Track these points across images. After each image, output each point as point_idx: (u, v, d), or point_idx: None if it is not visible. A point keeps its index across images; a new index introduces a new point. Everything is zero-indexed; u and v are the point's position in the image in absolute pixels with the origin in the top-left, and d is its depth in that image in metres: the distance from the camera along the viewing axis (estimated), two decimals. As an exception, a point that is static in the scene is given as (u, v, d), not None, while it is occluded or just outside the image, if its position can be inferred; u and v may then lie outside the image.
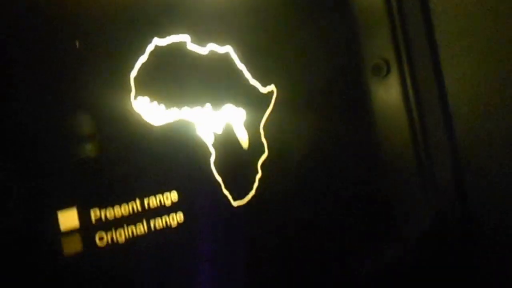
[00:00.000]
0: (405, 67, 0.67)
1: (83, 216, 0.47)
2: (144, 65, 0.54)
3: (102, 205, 0.48)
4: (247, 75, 0.62)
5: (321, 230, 0.66)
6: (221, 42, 0.60)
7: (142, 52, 0.54)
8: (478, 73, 0.62)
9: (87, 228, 0.47)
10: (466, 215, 0.67)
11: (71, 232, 0.46)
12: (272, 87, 0.64)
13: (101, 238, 0.48)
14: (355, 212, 0.69)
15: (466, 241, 0.67)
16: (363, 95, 0.70)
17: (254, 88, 0.63)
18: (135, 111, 0.53)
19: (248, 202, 0.60)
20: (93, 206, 0.48)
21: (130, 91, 0.53)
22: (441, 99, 0.66)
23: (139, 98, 0.54)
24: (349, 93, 0.71)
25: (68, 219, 0.46)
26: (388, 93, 0.69)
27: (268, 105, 0.64)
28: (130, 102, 0.53)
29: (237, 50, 0.61)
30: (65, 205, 0.46)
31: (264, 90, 0.64)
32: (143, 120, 0.53)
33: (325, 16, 0.70)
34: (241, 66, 0.62)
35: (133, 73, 0.53)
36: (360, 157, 0.71)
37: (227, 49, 0.61)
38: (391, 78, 0.68)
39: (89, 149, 0.49)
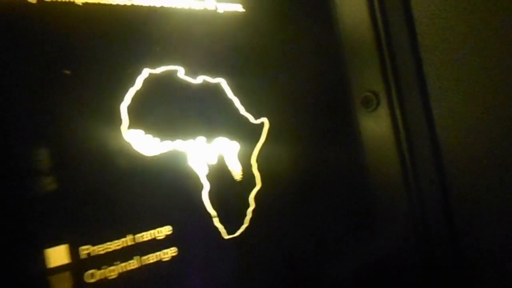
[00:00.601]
0: (395, 100, 0.67)
1: (74, 253, 0.45)
2: (137, 95, 0.53)
3: (93, 242, 0.46)
4: (239, 107, 0.62)
5: (313, 261, 0.65)
6: (214, 74, 0.60)
7: (134, 83, 0.53)
8: (466, 105, 0.63)
9: (77, 265, 0.45)
10: (453, 246, 0.67)
11: (61, 270, 0.43)
12: (263, 119, 0.64)
13: (92, 275, 0.45)
14: (347, 244, 0.68)
15: (452, 262, 0.67)
16: (353, 127, 0.71)
17: (246, 120, 0.63)
18: (127, 142, 0.51)
19: (241, 235, 0.59)
20: (84, 243, 0.46)
21: (121, 121, 0.51)
22: (430, 131, 0.66)
23: (131, 129, 0.52)
24: (340, 125, 0.72)
25: (58, 256, 0.44)
26: (378, 126, 0.69)
27: (260, 137, 0.63)
28: (122, 133, 0.51)
29: (229, 82, 0.61)
30: (55, 242, 0.44)
31: (255, 122, 0.63)
32: (135, 151, 0.52)
33: (315, 49, 0.71)
34: (233, 98, 0.61)
35: (125, 104, 0.52)
36: (351, 188, 0.71)
37: (219, 81, 0.60)
38: (380, 110, 0.68)
39: (80, 183, 0.47)
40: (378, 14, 0.67)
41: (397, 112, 0.68)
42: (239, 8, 0.64)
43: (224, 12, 0.63)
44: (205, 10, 0.61)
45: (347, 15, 0.70)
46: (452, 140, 0.65)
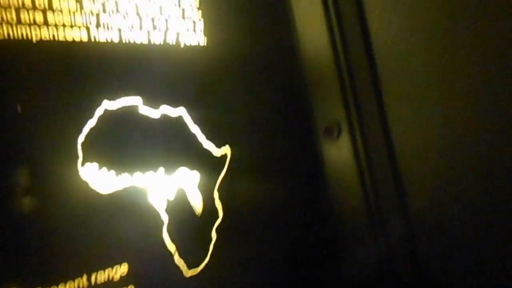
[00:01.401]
0: (356, 129, 0.68)
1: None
2: (92, 129, 0.53)
3: (46, 283, 0.45)
4: (201, 137, 0.62)
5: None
6: (174, 104, 0.60)
7: (91, 116, 0.53)
8: (425, 135, 0.64)
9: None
10: (417, 272, 0.67)
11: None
12: (226, 149, 0.64)
13: (43, 320, 0.44)
14: (312, 275, 0.68)
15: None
16: (315, 156, 0.71)
17: (207, 151, 0.62)
18: (82, 180, 0.51)
19: (203, 270, 0.58)
20: (35, 285, 0.45)
21: (77, 157, 0.51)
22: (391, 160, 0.67)
23: (87, 164, 0.52)
24: (302, 154, 0.72)
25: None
26: (340, 154, 0.70)
27: (222, 168, 0.63)
28: (77, 170, 0.51)
29: (190, 112, 0.61)
30: (3, 284, 0.43)
31: (218, 152, 0.63)
32: (90, 189, 0.51)
33: (277, 79, 0.72)
34: (194, 128, 0.61)
35: (81, 139, 0.51)
36: (315, 218, 0.71)
37: (180, 111, 0.60)
38: (342, 139, 0.69)
39: (32, 221, 0.46)
40: (339, 46, 0.68)
41: (359, 141, 0.68)
42: (201, 41, 0.65)
43: (185, 46, 0.63)
44: (166, 43, 0.61)
45: (309, 47, 0.71)
46: (412, 168, 0.66)
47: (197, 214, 0.60)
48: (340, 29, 0.69)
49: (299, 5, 0.73)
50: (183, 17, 0.63)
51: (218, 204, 0.62)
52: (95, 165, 0.52)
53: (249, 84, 0.69)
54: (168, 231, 0.56)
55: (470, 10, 0.59)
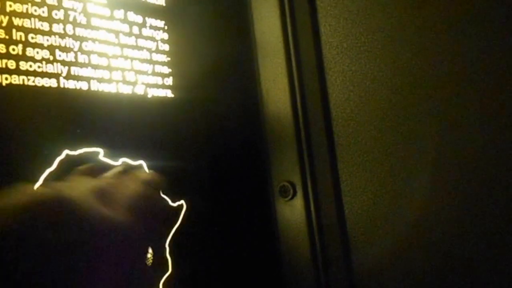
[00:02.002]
0: (310, 192, 0.71)
1: None
2: (50, 176, 0.53)
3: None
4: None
5: None
6: (135, 157, 0.61)
7: (50, 164, 0.53)
8: (374, 205, 0.68)
9: None
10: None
11: None
12: (181, 202, 0.65)
13: None
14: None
15: None
16: (270, 214, 0.74)
17: (163, 202, 0.63)
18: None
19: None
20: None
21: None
22: (341, 226, 0.70)
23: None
24: (257, 212, 0.74)
25: None
26: (293, 215, 0.72)
27: (177, 220, 0.64)
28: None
29: (149, 164, 0.62)
30: None
31: (173, 204, 0.64)
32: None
33: (239, 137, 0.74)
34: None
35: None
36: (264, 277, 0.73)
37: (140, 163, 0.61)
38: (296, 201, 0.72)
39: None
40: (300, 111, 0.72)
41: (312, 204, 0.71)
42: (168, 93, 0.67)
43: (153, 97, 0.65)
44: (134, 94, 0.63)
45: (272, 108, 0.75)
46: (361, 238, 0.69)
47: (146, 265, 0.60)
48: (302, 93, 0.73)
49: (265, 66, 0.77)
50: (153, 72, 0.65)
51: (169, 257, 0.62)
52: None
53: (211, 140, 0.71)
54: None
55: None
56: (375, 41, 0.67)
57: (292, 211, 0.72)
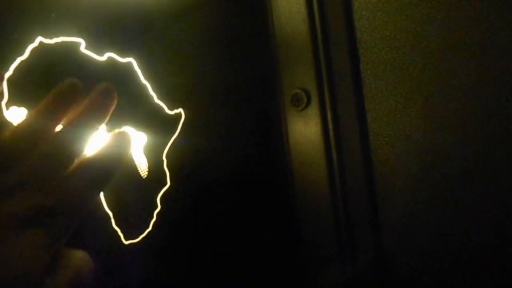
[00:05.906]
0: (327, 100, 0.62)
1: None
2: (23, 66, 0.45)
3: None
4: (152, 93, 0.54)
5: (223, 275, 0.59)
6: (123, 53, 0.52)
7: (22, 52, 0.45)
8: (404, 109, 0.59)
9: None
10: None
11: None
12: (180, 110, 0.56)
13: None
14: (266, 253, 0.62)
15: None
16: (280, 126, 0.64)
17: (159, 110, 0.55)
18: (8, 121, 0.42)
19: (143, 240, 0.51)
20: None
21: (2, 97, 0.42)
22: (362, 138, 0.61)
23: (13, 107, 0.43)
24: (265, 123, 0.65)
25: None
26: (307, 127, 0.63)
27: (175, 130, 0.56)
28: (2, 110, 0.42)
29: (140, 64, 0.53)
30: None
31: (170, 112, 0.56)
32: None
33: (243, 39, 0.64)
34: (145, 82, 0.53)
35: (7, 75, 0.43)
36: (273, 194, 0.65)
37: (129, 60, 0.52)
38: (310, 110, 0.63)
39: None
40: (315, 5, 0.62)
41: (328, 113, 0.62)
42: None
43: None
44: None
45: (281, 5, 0.64)
46: (385, 148, 0.61)
47: (141, 179, 0.52)
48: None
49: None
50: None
51: (167, 170, 0.54)
52: (21, 106, 0.44)
53: (211, 42, 0.62)
54: (105, 194, 0.48)
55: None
56: None
57: (306, 123, 0.63)
